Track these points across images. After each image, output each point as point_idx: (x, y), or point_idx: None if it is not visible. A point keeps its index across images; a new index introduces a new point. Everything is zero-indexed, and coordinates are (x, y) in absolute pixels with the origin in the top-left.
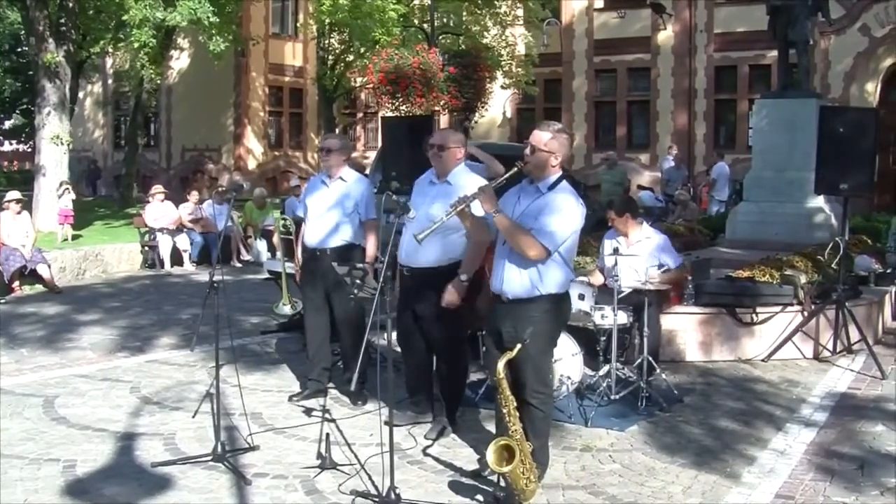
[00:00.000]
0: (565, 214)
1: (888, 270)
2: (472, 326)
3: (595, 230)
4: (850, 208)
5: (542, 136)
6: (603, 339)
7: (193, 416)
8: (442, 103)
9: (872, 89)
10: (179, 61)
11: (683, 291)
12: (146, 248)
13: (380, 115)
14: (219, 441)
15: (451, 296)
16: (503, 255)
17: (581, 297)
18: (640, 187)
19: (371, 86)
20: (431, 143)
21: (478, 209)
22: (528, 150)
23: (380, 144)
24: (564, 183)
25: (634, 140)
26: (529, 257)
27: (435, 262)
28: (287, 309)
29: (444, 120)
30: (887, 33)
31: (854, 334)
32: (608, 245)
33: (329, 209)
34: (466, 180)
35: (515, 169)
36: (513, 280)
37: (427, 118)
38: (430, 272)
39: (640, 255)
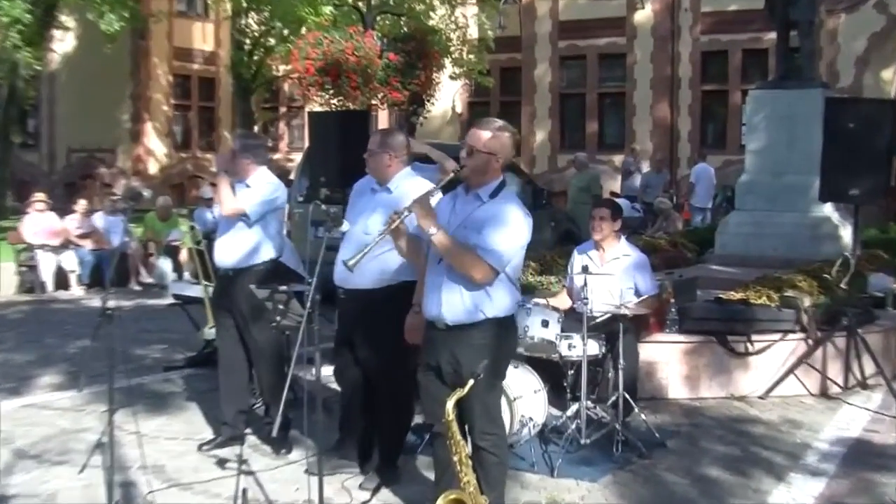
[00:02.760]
0: (512, 228)
1: None
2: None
3: (561, 244)
4: (861, 218)
5: (482, 136)
6: (571, 372)
7: (81, 472)
8: (381, 96)
9: (889, 77)
10: (64, 43)
11: (665, 317)
12: (23, 269)
13: (307, 109)
14: (112, 502)
15: (412, 334)
16: (439, 274)
17: (544, 323)
18: (614, 195)
19: (296, 75)
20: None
21: (413, 226)
22: (464, 153)
23: (306, 144)
24: (507, 190)
25: (607, 139)
26: (474, 280)
27: (373, 283)
28: (212, 332)
29: (383, 116)
30: None
31: (869, 366)
32: (578, 262)
33: (233, 220)
34: (411, 187)
35: (451, 175)
36: (453, 303)
37: (362, 114)
38: (368, 295)
39: (614, 273)
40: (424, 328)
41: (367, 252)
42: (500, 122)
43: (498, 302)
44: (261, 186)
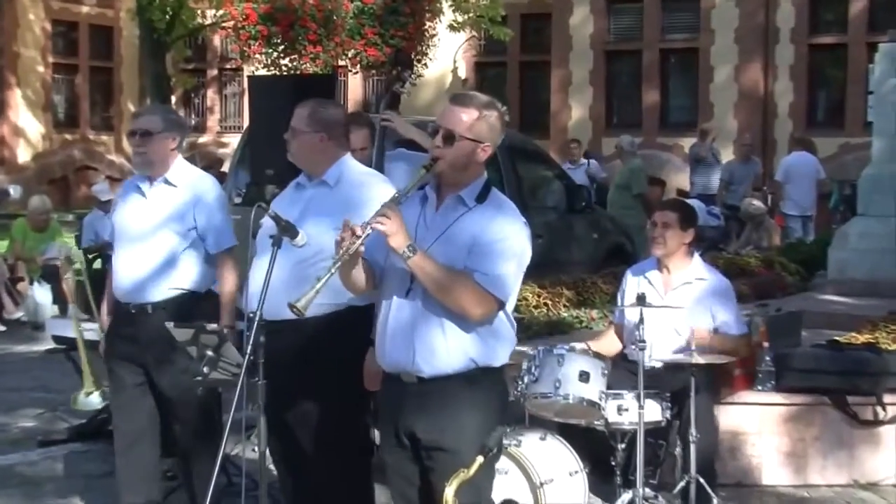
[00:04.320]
0: (513, 244)
1: None
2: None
3: (609, 262)
4: None
5: (462, 116)
6: (622, 447)
7: None
8: (351, 54)
9: None
10: None
11: (756, 368)
12: None
13: (246, 73)
14: None
15: (374, 380)
16: (404, 310)
17: (584, 376)
18: (682, 194)
19: (231, 24)
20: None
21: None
22: (438, 140)
23: (246, 123)
24: (494, 190)
25: (672, 115)
26: (471, 317)
27: (312, 311)
28: (95, 399)
29: (354, 83)
30: None
31: None
32: (632, 288)
33: (150, 235)
34: (366, 183)
35: (423, 172)
36: (431, 347)
37: (325, 80)
38: (304, 328)
39: (683, 305)
40: (382, 382)
41: (320, 289)
42: (485, 98)
43: (494, 344)
44: (200, 186)
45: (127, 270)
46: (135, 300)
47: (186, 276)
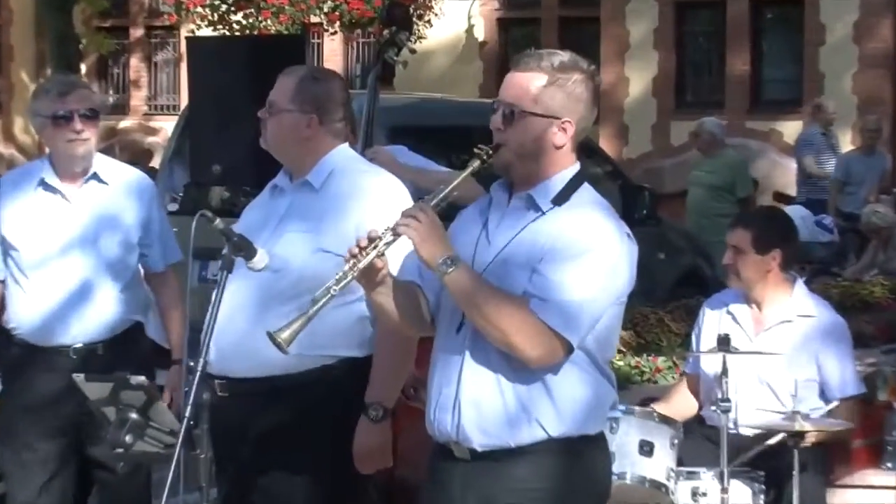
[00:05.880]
0: (596, 261)
1: None
2: None
3: (680, 291)
4: None
5: (527, 83)
6: None
7: None
8: (329, 8)
9: None
10: None
11: (883, 436)
12: None
13: (185, 33)
14: None
15: (368, 460)
16: (455, 352)
17: (646, 448)
18: (782, 198)
19: None
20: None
21: (400, 258)
22: (498, 118)
23: (185, 102)
24: (587, 188)
25: (767, 90)
26: (528, 359)
27: (286, 363)
28: None
29: (332, 48)
30: None
31: None
32: (711, 327)
33: (81, 250)
34: (365, 190)
35: (476, 163)
36: (485, 408)
37: (292, 42)
38: (275, 387)
39: (781, 352)
40: (430, 458)
41: (313, 316)
42: (562, 56)
43: (574, 404)
44: (136, 184)
45: (35, 297)
46: (42, 342)
47: (111, 305)
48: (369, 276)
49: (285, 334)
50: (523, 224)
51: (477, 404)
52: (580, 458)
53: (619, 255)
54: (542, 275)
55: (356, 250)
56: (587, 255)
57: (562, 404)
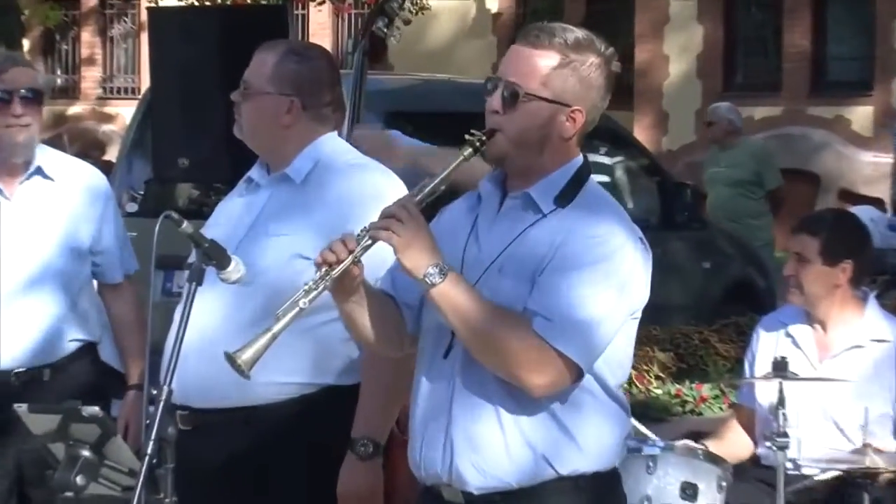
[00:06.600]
0: (607, 271)
1: None
2: None
3: (728, 307)
4: None
5: (535, 61)
6: None
7: None
8: None
9: None
10: None
11: None
12: None
13: (145, 3)
14: None
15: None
16: (443, 379)
17: (688, 492)
18: (850, 196)
19: None
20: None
21: (383, 269)
22: (495, 101)
23: (146, 84)
24: (593, 184)
25: (831, 69)
26: (532, 386)
27: (260, 393)
28: None
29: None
30: None
31: None
32: (766, 350)
33: (5, 258)
34: (354, 183)
35: (469, 151)
36: (482, 445)
37: (273, 13)
38: (248, 420)
39: (850, 379)
40: (417, 501)
41: (278, 333)
42: (577, 33)
43: (585, 438)
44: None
45: None
46: (15, 364)
47: (83, 318)
48: (342, 285)
49: (246, 355)
50: (521, 228)
51: (472, 441)
52: (594, 498)
53: (633, 265)
54: (546, 289)
55: (330, 256)
56: (597, 265)
57: (571, 438)
